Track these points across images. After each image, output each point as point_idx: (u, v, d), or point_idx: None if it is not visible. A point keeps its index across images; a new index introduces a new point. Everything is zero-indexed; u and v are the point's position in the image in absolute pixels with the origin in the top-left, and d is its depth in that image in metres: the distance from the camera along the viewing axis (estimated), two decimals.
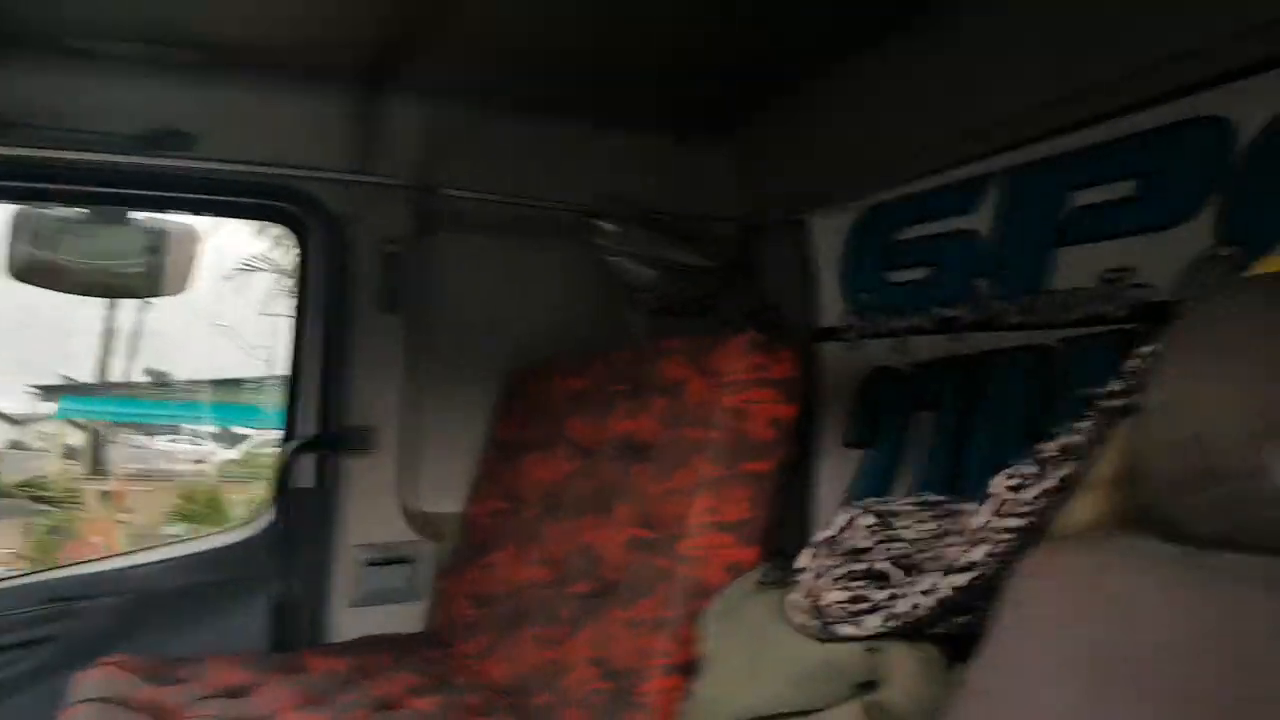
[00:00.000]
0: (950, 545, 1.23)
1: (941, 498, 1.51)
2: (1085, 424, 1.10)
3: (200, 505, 9.31)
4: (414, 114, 2.55)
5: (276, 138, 2.46)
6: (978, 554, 1.17)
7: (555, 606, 2.01)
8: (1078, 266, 1.83)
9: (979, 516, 1.19)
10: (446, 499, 2.67)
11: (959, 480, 2.00)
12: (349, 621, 2.53)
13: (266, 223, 4.08)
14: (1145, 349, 1.05)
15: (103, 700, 1.85)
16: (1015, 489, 1.16)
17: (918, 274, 2.22)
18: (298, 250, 2.62)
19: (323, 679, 2.07)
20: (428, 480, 2.66)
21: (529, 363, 2.69)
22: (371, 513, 2.57)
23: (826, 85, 2.40)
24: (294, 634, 2.49)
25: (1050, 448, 1.17)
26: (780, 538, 1.79)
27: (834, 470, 2.37)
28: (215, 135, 2.38)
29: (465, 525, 2.60)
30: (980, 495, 1.24)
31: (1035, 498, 1.13)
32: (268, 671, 2.08)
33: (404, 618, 2.57)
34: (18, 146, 2.18)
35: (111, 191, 2.43)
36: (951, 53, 2.08)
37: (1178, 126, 1.67)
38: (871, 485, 2.23)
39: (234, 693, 1.97)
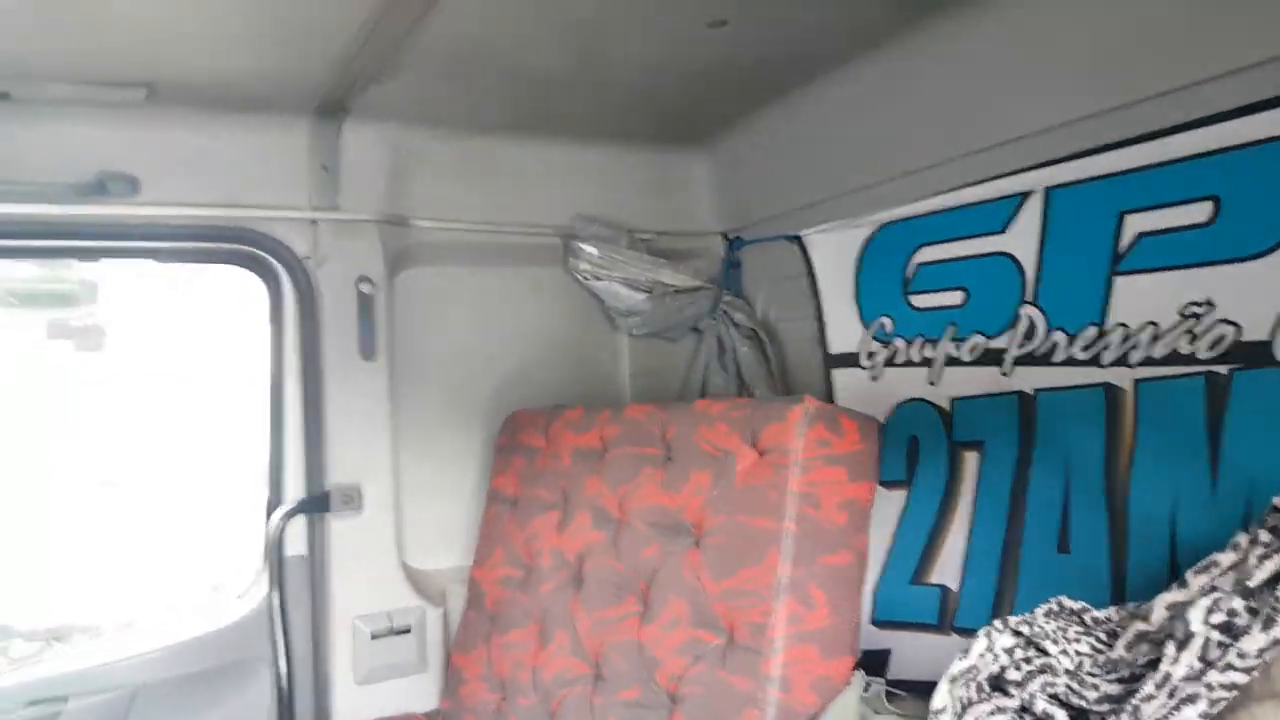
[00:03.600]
0: (1147, 699, 0.96)
1: (1080, 605, 1.23)
2: None
3: None
4: (375, 143, 2.22)
5: (228, 176, 2.12)
6: (1190, 716, 0.91)
7: (600, 713, 1.68)
8: (1141, 298, 1.58)
9: (1179, 665, 0.92)
10: (443, 555, 2.36)
11: (1017, 529, 1.75)
12: (356, 700, 2.19)
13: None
14: None
15: None
16: (1225, 629, 0.90)
17: (947, 298, 1.94)
18: (267, 299, 2.24)
19: None
20: (423, 536, 2.33)
21: (524, 404, 2.36)
22: (368, 577, 2.22)
23: (814, 92, 2.11)
24: (299, 718, 2.17)
25: (1261, 575, 0.91)
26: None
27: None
28: (163, 178, 2.03)
29: (472, 591, 2.26)
30: (1163, 627, 0.98)
31: (1261, 650, 0.87)
32: None
33: (413, 693, 2.23)
34: None
35: (58, 245, 2.13)
36: (968, 55, 1.80)
37: (1262, 144, 1.41)
38: (919, 530, 1.92)
39: None
